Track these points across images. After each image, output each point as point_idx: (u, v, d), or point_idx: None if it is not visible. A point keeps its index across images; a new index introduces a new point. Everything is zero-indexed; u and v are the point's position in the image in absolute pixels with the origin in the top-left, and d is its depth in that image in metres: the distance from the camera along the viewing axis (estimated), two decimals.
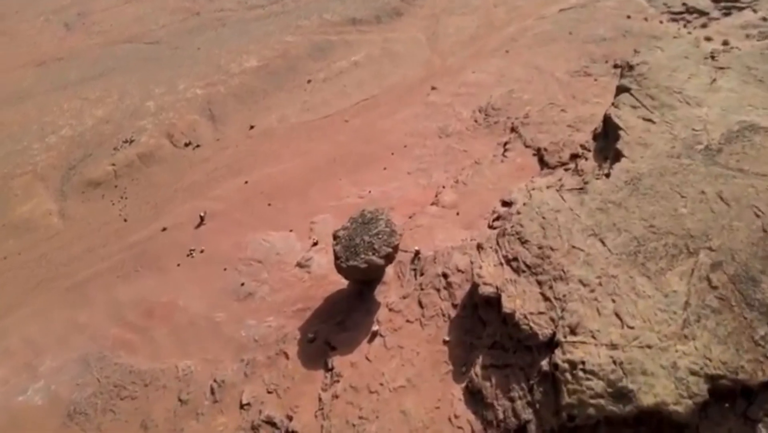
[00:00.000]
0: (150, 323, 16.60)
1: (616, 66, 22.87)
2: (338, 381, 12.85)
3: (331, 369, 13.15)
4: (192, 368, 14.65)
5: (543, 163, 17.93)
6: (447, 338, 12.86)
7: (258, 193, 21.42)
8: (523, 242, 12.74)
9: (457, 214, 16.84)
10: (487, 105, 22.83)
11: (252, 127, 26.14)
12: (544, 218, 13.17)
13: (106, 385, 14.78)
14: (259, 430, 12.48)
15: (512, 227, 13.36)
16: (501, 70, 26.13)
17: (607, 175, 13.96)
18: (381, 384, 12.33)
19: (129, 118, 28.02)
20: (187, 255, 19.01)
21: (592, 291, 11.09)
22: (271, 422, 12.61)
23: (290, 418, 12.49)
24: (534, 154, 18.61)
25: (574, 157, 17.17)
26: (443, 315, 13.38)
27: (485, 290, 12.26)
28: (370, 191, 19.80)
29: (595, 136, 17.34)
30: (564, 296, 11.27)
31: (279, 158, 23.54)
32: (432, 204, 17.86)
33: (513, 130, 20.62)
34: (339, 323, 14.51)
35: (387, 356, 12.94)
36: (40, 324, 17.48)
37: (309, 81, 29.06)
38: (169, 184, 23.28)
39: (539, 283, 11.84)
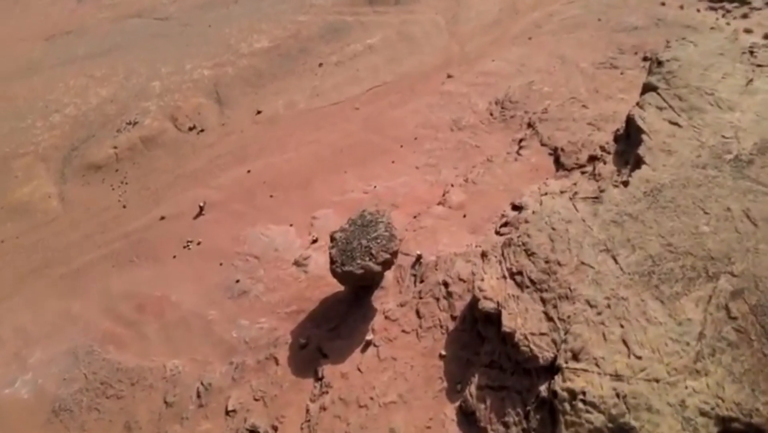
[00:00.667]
0: (141, 317, 16.57)
1: (645, 59, 21.79)
2: (327, 392, 12.60)
3: (321, 378, 12.90)
4: (180, 369, 14.57)
5: (559, 164, 17.20)
6: (443, 353, 12.47)
7: (260, 184, 21.13)
8: (530, 254, 12.19)
9: (464, 216, 16.30)
10: (504, 97, 22.02)
11: (259, 112, 25.76)
12: (553, 228, 12.57)
13: (92, 381, 14.82)
14: None
15: (519, 237, 12.79)
16: (522, 58, 25.19)
17: (625, 184, 13.25)
18: (371, 398, 12.04)
19: (134, 98, 27.89)
20: (184, 247, 18.89)
21: (599, 313, 10.54)
22: (255, 431, 12.46)
23: (275, 428, 12.33)
24: (550, 154, 17.87)
25: (593, 159, 16.42)
26: (441, 327, 12.97)
27: (485, 305, 11.78)
28: (375, 186, 19.34)
29: (617, 138, 16.53)
30: (569, 317, 10.74)
31: (284, 147, 23.17)
32: (438, 204, 17.33)
33: (530, 125, 19.85)
34: (333, 328, 14.22)
35: (380, 367, 12.62)
36: (32, 313, 17.62)
37: (320, 65, 28.47)
38: (171, 169, 23.14)
39: (543, 301, 11.31)
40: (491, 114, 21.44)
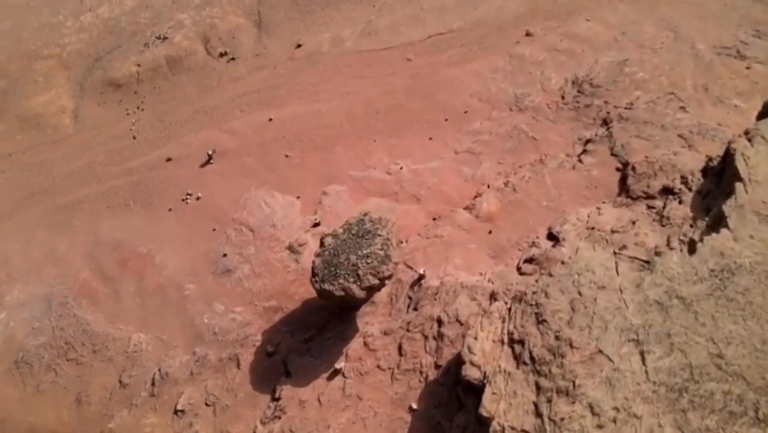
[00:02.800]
0: (121, 274, 16.63)
1: None
2: (280, 418, 12.11)
3: (278, 399, 12.39)
4: (143, 346, 14.59)
5: (624, 186, 14.75)
6: (414, 406, 11.47)
7: (279, 138, 20.06)
8: (540, 321, 10.58)
9: (490, 232, 14.58)
10: (585, 76, 19.09)
11: (299, 45, 24.17)
12: (580, 293, 10.78)
13: (58, 338, 15.22)
14: None
15: (535, 293, 11.11)
16: (625, 24, 21.60)
17: (692, 248, 11.03)
18: None
19: (170, 7, 26.98)
20: (183, 199, 18.52)
21: (600, 428, 9.06)
22: None
23: None
24: (618, 169, 15.38)
25: (667, 191, 13.87)
26: (421, 373, 11.90)
27: (469, 373, 10.47)
28: (401, 168, 17.76)
29: (707, 170, 13.79)
30: (562, 420, 9.32)
31: (316, 95, 21.72)
32: (466, 207, 15.62)
33: (605, 123, 17.16)
34: (306, 340, 13.53)
35: (341, 404, 11.88)
36: (21, 244, 18.18)
37: None
38: (190, 102, 22.47)
39: (538, 388, 9.86)
40: (563, 97, 18.79)
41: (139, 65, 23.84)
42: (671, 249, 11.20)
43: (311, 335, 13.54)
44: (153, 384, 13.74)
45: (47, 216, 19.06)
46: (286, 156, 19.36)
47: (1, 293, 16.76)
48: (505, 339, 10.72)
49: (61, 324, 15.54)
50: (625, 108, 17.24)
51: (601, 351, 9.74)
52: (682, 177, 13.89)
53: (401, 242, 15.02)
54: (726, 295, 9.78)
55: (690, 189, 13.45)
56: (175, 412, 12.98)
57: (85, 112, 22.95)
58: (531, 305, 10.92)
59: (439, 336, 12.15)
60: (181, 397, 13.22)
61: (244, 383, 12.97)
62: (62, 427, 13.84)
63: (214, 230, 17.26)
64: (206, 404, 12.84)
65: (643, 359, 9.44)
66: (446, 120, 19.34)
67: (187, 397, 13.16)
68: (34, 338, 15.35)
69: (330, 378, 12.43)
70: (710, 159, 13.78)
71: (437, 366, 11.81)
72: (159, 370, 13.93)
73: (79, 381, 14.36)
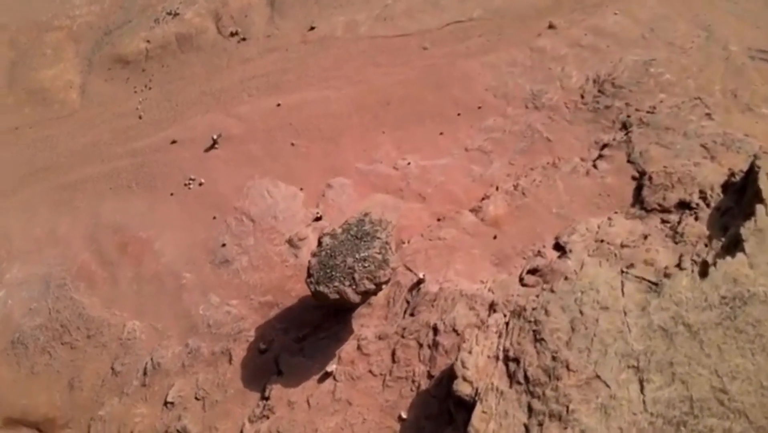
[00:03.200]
0: (120, 259, 16.68)
1: None
2: (268, 417, 12.11)
3: (267, 399, 12.38)
4: (137, 334, 14.66)
5: (639, 197, 14.31)
6: (404, 415, 11.38)
7: (286, 125, 19.82)
8: (538, 339, 10.35)
9: (495, 237, 14.30)
10: (608, 75, 18.48)
11: (312, 28, 23.74)
12: (581, 312, 10.51)
13: (54, 320, 15.36)
14: None
15: (535, 309, 10.85)
16: (655, 19, 20.82)
17: (704, 271, 10.67)
18: None
19: None
20: (185, 184, 18.45)
21: None
22: None
23: None
24: (634, 178, 14.92)
25: (683, 206, 13.41)
26: (413, 382, 11.78)
27: (461, 389, 10.30)
28: (409, 163, 17.45)
29: (727, 186, 13.29)
30: None
31: (327, 81, 21.38)
32: (472, 210, 15.33)
33: (624, 127, 16.64)
34: (300, 339, 13.47)
35: (330, 408, 11.83)
36: (23, 222, 18.30)
37: None
38: (199, 82, 22.27)
39: (530, 410, 9.68)
40: (582, 96, 18.25)
41: (148, 42, 23.65)
42: (682, 270, 10.86)
43: (305, 333, 13.47)
44: (145, 374, 13.83)
45: (50, 194, 19.14)
46: (292, 144, 19.14)
47: (1, 270, 16.93)
48: (500, 356, 10.52)
49: (57, 306, 15.67)
50: (647, 112, 16.69)
51: (598, 376, 9.52)
52: (701, 191, 13.42)
53: (403, 243, 14.83)
54: (735, 325, 9.46)
55: (708, 205, 13.01)
56: (165, 404, 13.08)
57: (92, 89, 22.88)
58: (529, 321, 10.69)
59: (434, 345, 12.00)
60: (171, 389, 13.30)
61: (235, 379, 12.98)
62: (54, 411, 14.03)
63: (214, 217, 17.19)
64: (196, 398, 12.89)
65: (642, 388, 9.20)
66: (459, 115, 18.93)
67: (177, 389, 13.23)
68: (30, 318, 15.52)
69: (321, 380, 12.39)
70: (732, 173, 13.30)
71: (430, 376, 11.69)
72: (151, 360, 14.01)
73: (73, 366, 14.51)
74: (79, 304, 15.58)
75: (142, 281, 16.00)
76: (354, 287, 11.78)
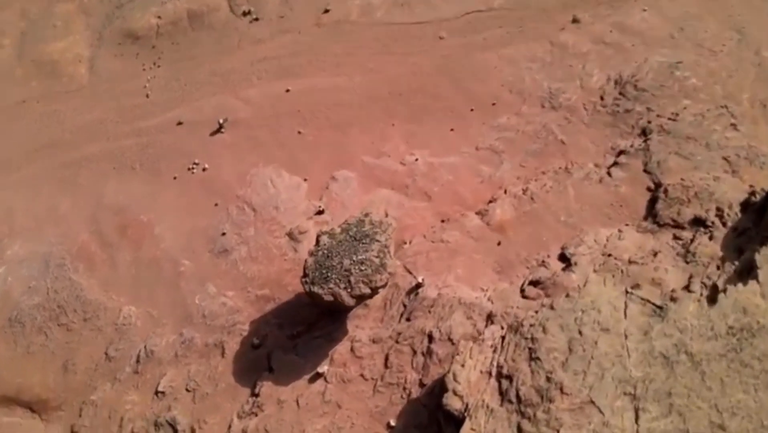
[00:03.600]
0: (119, 241, 16.75)
1: None
2: (257, 414, 12.19)
3: (257, 395, 12.45)
4: (132, 320, 14.78)
5: (652, 210, 13.96)
6: (393, 423, 11.39)
7: (294, 111, 19.64)
8: (533, 357, 10.23)
9: (499, 243, 14.10)
10: (630, 77, 17.95)
11: (327, 11, 23.36)
12: (580, 332, 10.35)
13: (52, 300, 15.52)
14: (159, 429, 12.55)
15: (532, 325, 10.71)
16: (685, 18, 20.14)
17: (713, 299, 10.42)
18: None
19: None
20: (189, 169, 18.41)
21: None
22: (173, 427, 12.56)
23: (193, 431, 12.37)
24: (648, 189, 14.57)
25: (698, 223, 13.07)
26: (404, 389, 11.76)
27: (450, 403, 10.25)
28: (417, 159, 17.22)
29: (746, 205, 12.89)
30: None
31: (338, 67, 21.09)
32: (477, 212, 15.13)
33: (644, 133, 16.22)
34: (293, 336, 13.48)
35: (319, 410, 11.87)
36: (26, 199, 18.41)
37: None
38: (208, 62, 22.09)
39: (519, 431, 9.60)
40: (602, 97, 17.82)
41: (159, 17, 23.45)
42: (690, 292, 10.65)
43: (299, 331, 13.50)
44: (138, 361, 13.99)
45: (54, 171, 19.24)
46: (299, 133, 18.98)
47: (3, 247, 17.10)
48: (494, 372, 10.43)
49: (56, 286, 15.84)
50: (669, 119, 16.24)
51: (592, 401, 9.42)
52: (718, 208, 13.07)
53: (404, 243, 14.71)
54: (741, 358, 9.27)
55: (724, 224, 12.69)
56: (156, 393, 13.22)
57: (101, 63, 22.81)
58: (526, 338, 10.57)
59: (428, 353, 11.96)
60: (163, 378, 13.44)
61: (227, 373, 13.08)
62: (47, 392, 14.28)
63: (216, 204, 17.18)
64: (187, 390, 13.02)
65: (637, 417, 9.10)
66: (472, 110, 18.61)
67: (168, 379, 13.36)
68: (29, 297, 15.70)
69: (312, 381, 12.44)
70: (753, 192, 12.93)
71: (422, 384, 11.67)
72: (145, 347, 14.14)
73: (68, 348, 14.71)
74: (78, 285, 15.74)
75: (141, 266, 16.09)
76: (349, 290, 11.72)
